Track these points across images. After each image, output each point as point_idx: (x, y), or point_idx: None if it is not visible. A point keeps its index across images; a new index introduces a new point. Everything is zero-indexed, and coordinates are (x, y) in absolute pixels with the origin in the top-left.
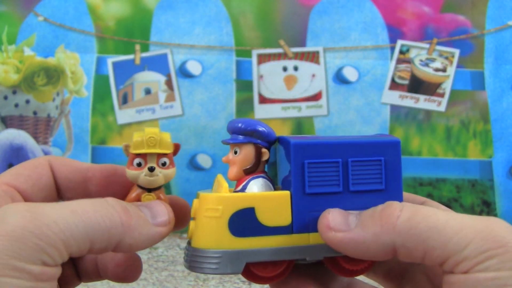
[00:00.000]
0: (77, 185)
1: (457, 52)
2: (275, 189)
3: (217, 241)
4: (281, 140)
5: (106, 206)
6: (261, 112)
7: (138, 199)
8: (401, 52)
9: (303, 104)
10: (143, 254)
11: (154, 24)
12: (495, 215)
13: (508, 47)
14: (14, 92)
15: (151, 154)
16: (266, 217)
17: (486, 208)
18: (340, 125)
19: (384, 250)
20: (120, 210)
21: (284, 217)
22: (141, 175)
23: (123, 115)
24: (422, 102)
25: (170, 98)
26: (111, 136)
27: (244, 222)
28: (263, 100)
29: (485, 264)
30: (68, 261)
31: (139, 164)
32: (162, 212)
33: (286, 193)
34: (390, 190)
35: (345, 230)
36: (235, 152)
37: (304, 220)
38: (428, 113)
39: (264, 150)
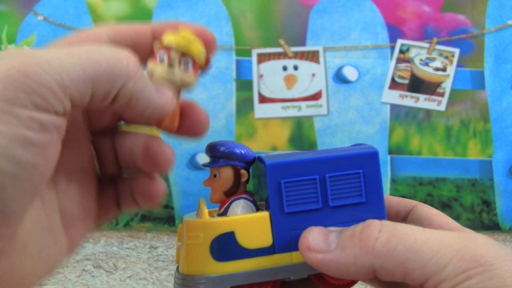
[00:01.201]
0: (143, 46)
1: (457, 51)
2: (259, 206)
3: (201, 266)
4: (259, 159)
5: (112, 48)
6: (261, 111)
7: None
8: (401, 51)
9: (303, 104)
10: (143, 254)
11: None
12: (495, 215)
13: (508, 47)
14: None
15: (176, 52)
16: (246, 240)
17: (486, 207)
18: (340, 125)
19: (364, 271)
20: (128, 54)
21: (264, 238)
22: (158, 69)
23: None
24: (422, 102)
25: None
26: None
27: (225, 246)
28: (263, 99)
29: (465, 284)
30: (108, 185)
31: (161, 60)
32: (165, 90)
33: (265, 214)
34: (371, 202)
35: (325, 251)
36: (215, 175)
37: (286, 239)
38: (428, 112)
39: (242, 171)
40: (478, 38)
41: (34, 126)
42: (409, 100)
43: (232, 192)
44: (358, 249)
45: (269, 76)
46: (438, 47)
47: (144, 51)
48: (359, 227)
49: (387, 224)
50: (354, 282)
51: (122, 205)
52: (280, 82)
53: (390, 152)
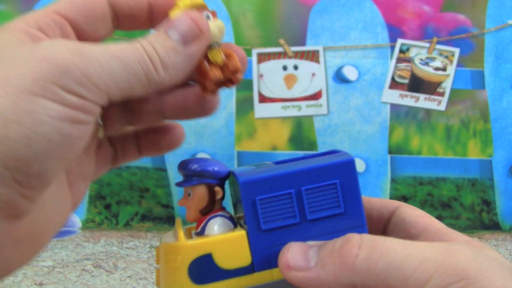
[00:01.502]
0: (140, 12)
1: (457, 51)
2: (238, 219)
3: None
4: (234, 175)
5: (141, 51)
6: (261, 111)
7: (206, 57)
8: (401, 51)
9: (303, 103)
10: (143, 254)
11: None
12: (495, 214)
13: (508, 46)
14: None
15: (190, 11)
16: (225, 261)
17: (486, 207)
18: (340, 124)
19: None
20: (151, 53)
21: (243, 257)
22: None
23: None
24: (422, 101)
25: None
26: None
27: (203, 269)
28: (263, 99)
29: None
30: (130, 135)
31: None
32: (189, 26)
33: (242, 233)
34: (350, 212)
35: (305, 268)
36: (189, 194)
37: (265, 257)
38: (428, 112)
39: (217, 188)
40: (478, 38)
41: (78, 109)
42: (409, 99)
43: (208, 210)
44: (338, 267)
45: (269, 76)
46: (438, 46)
47: (139, 15)
48: (338, 242)
49: (366, 238)
50: None
51: (142, 151)
52: (280, 82)
53: (390, 152)
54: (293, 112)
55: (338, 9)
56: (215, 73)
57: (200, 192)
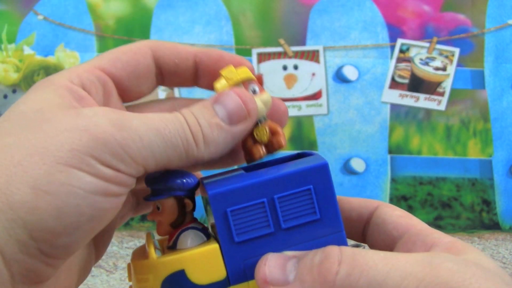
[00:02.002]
0: (185, 70)
1: (457, 51)
2: (210, 232)
3: None
4: (202, 185)
5: (184, 125)
6: None
7: (251, 133)
8: (401, 51)
9: (303, 103)
10: None
11: (154, 23)
12: (495, 214)
13: (508, 46)
14: (14, 91)
15: (238, 87)
16: (198, 276)
17: (486, 207)
18: (340, 124)
19: None
20: (194, 128)
21: (217, 271)
22: None
23: None
24: (422, 101)
25: (170, 97)
26: None
27: (177, 286)
28: None
29: None
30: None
31: None
32: (237, 107)
33: (215, 246)
34: (326, 217)
35: (283, 283)
36: (158, 208)
37: (240, 269)
38: (428, 112)
39: (186, 201)
40: (478, 38)
41: (112, 182)
42: (409, 99)
43: (179, 223)
44: (318, 284)
45: (269, 76)
46: (438, 46)
47: (184, 72)
48: (317, 257)
49: (346, 253)
50: None
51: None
52: (280, 82)
53: (390, 152)
54: (293, 112)
55: (338, 9)
56: (260, 153)
57: (170, 205)
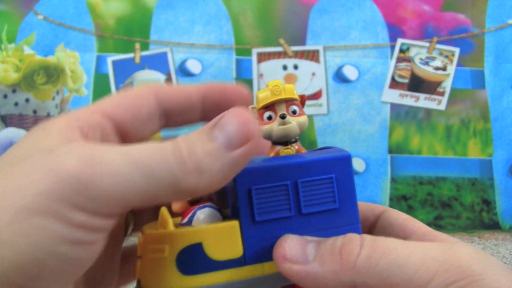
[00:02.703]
0: (191, 108)
1: (457, 50)
2: (224, 216)
3: (166, 281)
4: None
5: (172, 155)
6: None
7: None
8: (401, 50)
9: None
10: None
11: (154, 22)
12: (495, 214)
13: (508, 46)
14: (14, 91)
15: (279, 103)
16: (215, 251)
17: (486, 206)
18: (340, 124)
19: (343, 287)
20: (187, 157)
21: (235, 249)
22: (274, 126)
23: None
24: (422, 101)
25: None
26: None
27: (192, 259)
28: None
29: None
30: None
31: (269, 118)
32: (237, 129)
33: (235, 223)
34: (345, 208)
35: (302, 262)
36: None
37: (257, 249)
38: (428, 111)
39: None
40: (478, 37)
41: (84, 228)
42: (409, 99)
43: (196, 200)
44: (338, 265)
45: (269, 75)
46: (438, 46)
47: (190, 110)
48: (339, 241)
49: (367, 238)
50: None
51: None
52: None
53: (390, 152)
54: None
55: (338, 8)
56: None
57: None
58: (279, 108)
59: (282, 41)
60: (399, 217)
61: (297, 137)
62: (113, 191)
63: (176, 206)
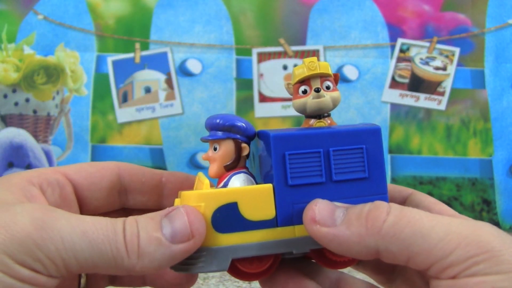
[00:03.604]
0: (151, 189)
1: (457, 50)
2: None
3: None
4: (260, 134)
5: (118, 232)
6: (261, 110)
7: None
8: (401, 50)
9: None
10: None
11: (154, 22)
12: (495, 214)
13: (509, 46)
14: (14, 91)
15: (314, 78)
16: (249, 212)
17: (486, 206)
18: (340, 124)
19: (366, 251)
20: (129, 238)
21: (268, 210)
22: (309, 99)
23: (123, 114)
24: (422, 101)
25: (170, 96)
26: (111, 134)
27: (227, 217)
28: (263, 98)
29: (472, 270)
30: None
31: (304, 92)
32: (182, 225)
33: (269, 186)
34: (374, 178)
35: (330, 225)
36: (215, 149)
37: (288, 212)
38: (428, 111)
39: (244, 145)
40: (478, 37)
41: (29, 283)
42: (409, 99)
43: (232, 167)
44: (364, 229)
45: (270, 75)
46: (439, 46)
47: (149, 191)
48: (367, 207)
49: (395, 207)
50: (354, 261)
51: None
52: (281, 81)
53: (390, 151)
54: (293, 112)
55: (338, 8)
56: None
57: (227, 147)
58: (314, 82)
59: (282, 41)
60: (426, 199)
61: (329, 112)
62: (58, 256)
63: (212, 171)
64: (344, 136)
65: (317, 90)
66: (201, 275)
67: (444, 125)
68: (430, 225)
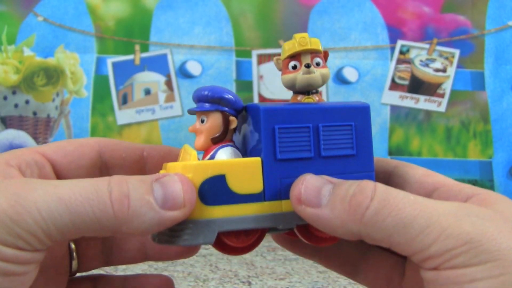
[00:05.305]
0: (132, 164)
1: (457, 52)
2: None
3: None
4: (249, 108)
5: (101, 193)
6: None
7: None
8: (401, 52)
9: None
10: None
11: (154, 24)
12: None
13: (508, 48)
14: (14, 93)
15: (305, 54)
16: (237, 185)
17: None
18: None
19: (350, 235)
20: (117, 197)
21: (255, 184)
22: (299, 75)
23: (123, 116)
24: (422, 103)
25: (170, 98)
26: (111, 136)
27: (215, 190)
28: (263, 100)
29: (452, 263)
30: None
31: (294, 67)
32: (176, 192)
33: (257, 159)
34: (361, 155)
35: (315, 206)
36: (202, 121)
37: (276, 187)
38: (428, 113)
39: (232, 118)
40: (478, 39)
41: (14, 261)
42: (409, 101)
43: (219, 139)
44: (347, 215)
45: (269, 77)
46: (438, 48)
47: (131, 166)
48: (352, 188)
49: (380, 190)
50: (338, 238)
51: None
52: (280, 83)
53: (390, 153)
54: None
55: (338, 10)
56: None
57: (215, 119)
58: (304, 58)
59: (282, 42)
60: (416, 172)
61: (318, 89)
62: (38, 229)
63: (199, 144)
64: (334, 112)
65: (308, 66)
66: (201, 276)
67: (444, 127)
68: (412, 215)
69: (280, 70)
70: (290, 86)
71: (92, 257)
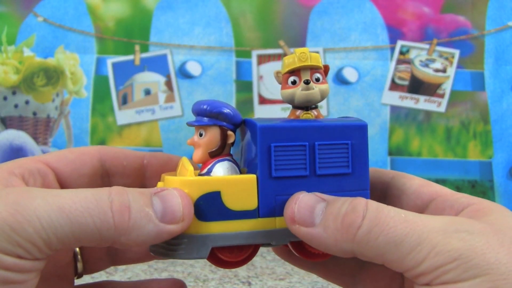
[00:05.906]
0: (133, 171)
1: (457, 52)
2: (241, 172)
3: None
4: (247, 123)
5: (102, 203)
6: (261, 112)
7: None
8: (401, 52)
9: None
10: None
11: (154, 24)
12: None
13: (508, 48)
14: (14, 93)
15: (304, 70)
16: (232, 201)
17: None
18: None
19: (343, 253)
20: (118, 208)
21: (250, 201)
22: (297, 91)
23: (123, 116)
24: (422, 103)
25: (170, 98)
26: (111, 136)
27: (210, 206)
28: (263, 100)
29: (442, 279)
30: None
31: (293, 82)
32: (175, 207)
33: (253, 176)
34: (357, 174)
35: (309, 225)
36: (200, 135)
37: (271, 204)
38: (428, 113)
39: (230, 132)
40: (478, 40)
41: (14, 270)
42: (409, 101)
43: (217, 153)
44: (340, 234)
45: (269, 78)
46: (438, 48)
47: (131, 174)
48: (344, 207)
49: (371, 208)
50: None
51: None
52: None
53: (390, 153)
54: None
55: (338, 10)
56: None
57: (213, 133)
58: (304, 74)
59: (282, 43)
60: (413, 183)
61: (317, 104)
62: (38, 237)
63: (197, 157)
64: (331, 130)
65: (307, 82)
66: (201, 276)
67: (444, 127)
68: (403, 233)
69: (280, 83)
70: (289, 101)
71: (98, 258)
